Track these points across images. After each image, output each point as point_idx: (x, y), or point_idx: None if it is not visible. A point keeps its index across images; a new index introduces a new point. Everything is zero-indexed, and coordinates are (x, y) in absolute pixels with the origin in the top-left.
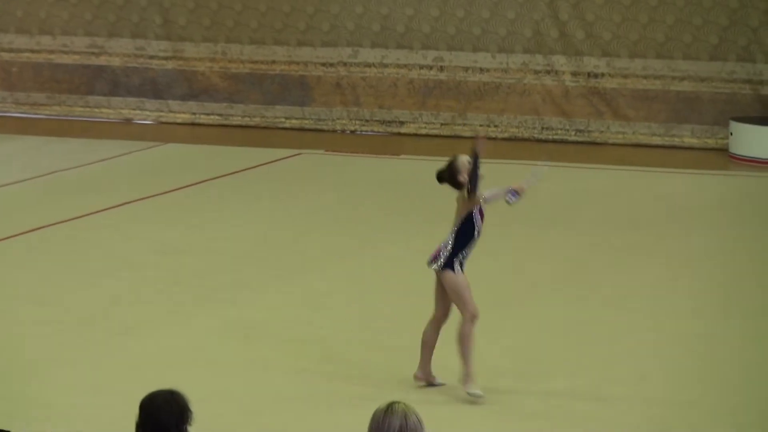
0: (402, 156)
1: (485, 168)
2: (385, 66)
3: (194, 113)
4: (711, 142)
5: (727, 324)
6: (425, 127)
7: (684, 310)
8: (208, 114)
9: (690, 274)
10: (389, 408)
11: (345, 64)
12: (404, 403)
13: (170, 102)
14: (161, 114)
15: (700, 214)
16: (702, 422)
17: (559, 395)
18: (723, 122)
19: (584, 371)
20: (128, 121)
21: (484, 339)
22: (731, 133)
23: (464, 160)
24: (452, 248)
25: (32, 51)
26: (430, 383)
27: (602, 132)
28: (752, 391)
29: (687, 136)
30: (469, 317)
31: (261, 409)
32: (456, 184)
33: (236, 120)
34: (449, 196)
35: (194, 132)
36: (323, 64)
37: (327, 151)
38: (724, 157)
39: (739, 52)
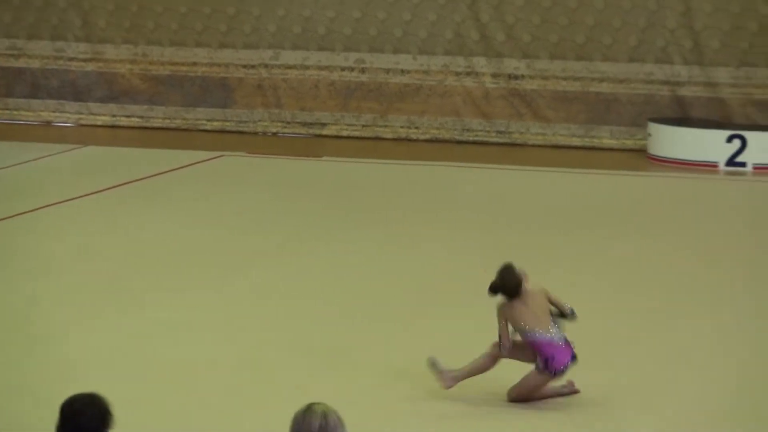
0: (324, 158)
1: None
2: (307, 68)
3: (114, 115)
4: (629, 143)
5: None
6: (347, 129)
7: (592, 309)
8: (128, 116)
9: (604, 274)
10: (308, 408)
11: (266, 65)
12: (324, 404)
13: (90, 104)
14: (81, 116)
15: (619, 215)
16: None
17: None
18: (641, 123)
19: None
20: (48, 123)
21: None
22: (649, 134)
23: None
24: None
25: None
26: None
27: (522, 133)
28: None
29: (606, 137)
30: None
31: (184, 412)
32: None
33: (157, 122)
34: (369, 197)
35: (115, 134)
36: (244, 66)
37: (248, 153)
38: (642, 157)
39: (656, 53)
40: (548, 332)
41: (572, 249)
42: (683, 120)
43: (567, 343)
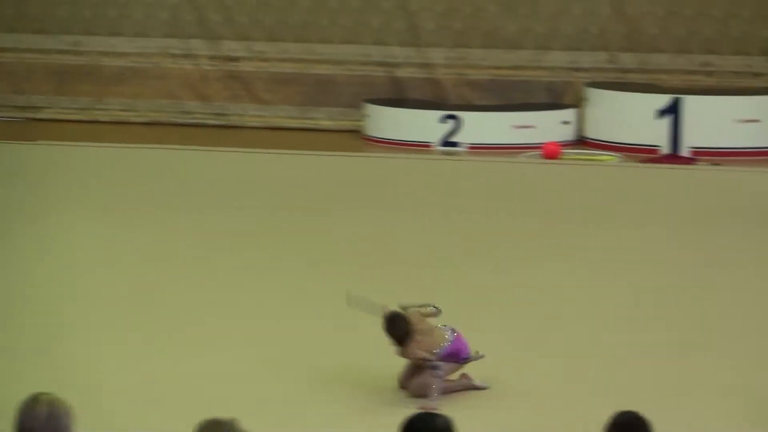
0: (39, 142)
1: None
2: (21, 51)
3: None
4: (346, 124)
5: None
6: (63, 113)
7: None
8: None
9: (323, 254)
10: (34, 399)
11: None
12: (50, 393)
13: None
14: None
15: (336, 196)
16: None
17: None
18: (358, 104)
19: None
20: None
21: None
22: (366, 115)
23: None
24: None
25: None
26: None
27: (240, 115)
28: None
29: (323, 118)
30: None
31: None
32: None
33: None
34: (88, 182)
35: None
36: None
37: None
38: (358, 138)
39: (373, 35)
40: (446, 340)
41: (289, 231)
42: (399, 101)
43: (454, 331)
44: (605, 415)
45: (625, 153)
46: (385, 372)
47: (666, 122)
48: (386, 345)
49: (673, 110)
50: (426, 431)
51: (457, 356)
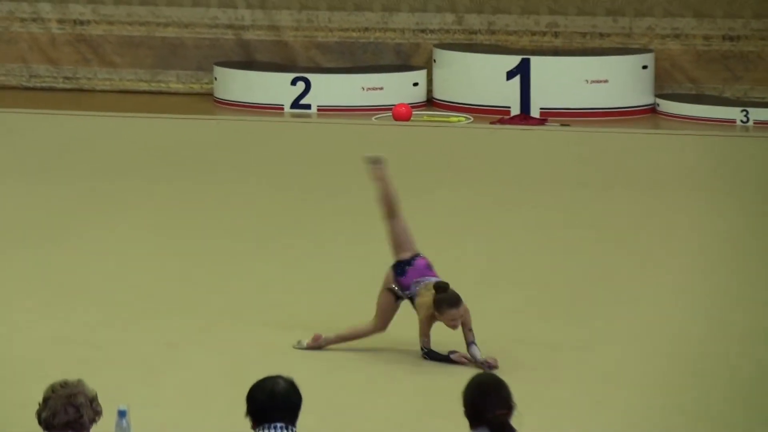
0: None
1: None
2: None
3: None
4: (196, 87)
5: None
6: None
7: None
8: None
9: (181, 219)
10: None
11: None
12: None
13: None
14: None
15: (187, 159)
16: None
17: None
18: (207, 67)
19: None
20: None
21: None
22: (215, 78)
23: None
24: None
25: None
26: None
27: (90, 79)
28: None
29: (173, 81)
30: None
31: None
32: None
33: None
34: None
35: None
36: None
37: None
38: (209, 101)
39: None
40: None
41: (144, 196)
42: (248, 64)
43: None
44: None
45: (475, 114)
46: None
47: (515, 83)
48: None
49: (521, 71)
50: (263, 396)
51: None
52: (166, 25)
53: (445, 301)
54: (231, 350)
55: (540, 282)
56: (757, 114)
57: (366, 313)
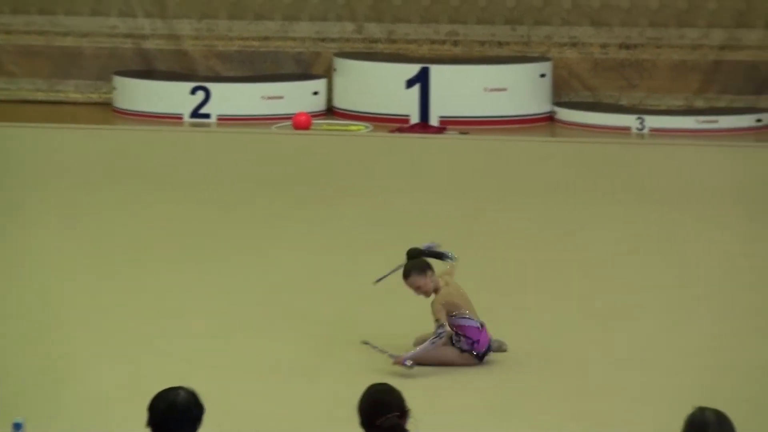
0: None
1: None
2: None
3: None
4: (95, 97)
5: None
6: None
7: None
8: None
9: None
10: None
11: None
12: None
13: None
14: None
15: (88, 170)
16: None
17: None
18: (106, 77)
19: None
20: None
21: None
22: (114, 88)
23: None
24: None
25: None
26: None
27: None
28: None
29: (71, 91)
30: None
31: None
32: None
33: None
34: None
35: None
36: None
37: None
38: (108, 111)
39: (119, 6)
40: (477, 318)
41: (43, 206)
42: (148, 73)
43: (484, 327)
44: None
45: (375, 123)
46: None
47: (414, 92)
48: None
49: (421, 80)
50: (163, 407)
51: (472, 339)
52: (65, 34)
53: (413, 267)
54: (130, 361)
55: None
56: (652, 121)
57: (260, 322)
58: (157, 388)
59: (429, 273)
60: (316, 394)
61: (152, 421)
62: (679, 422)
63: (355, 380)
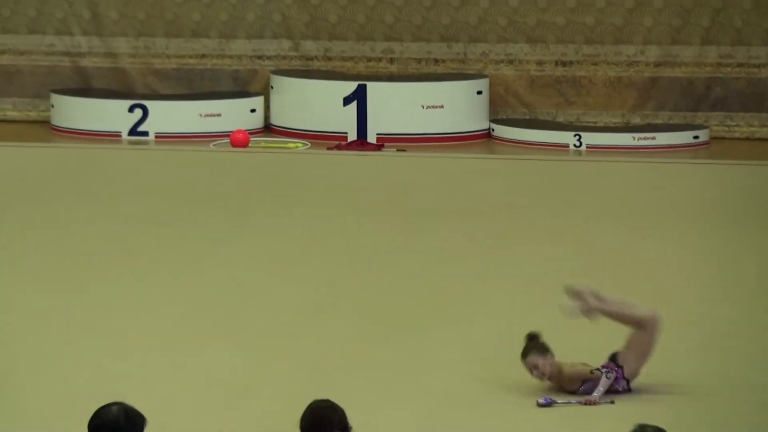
0: None
1: None
2: None
3: None
4: (33, 115)
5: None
6: None
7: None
8: None
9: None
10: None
11: None
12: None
13: None
14: None
15: (25, 187)
16: None
17: None
18: (44, 95)
19: None
20: None
21: None
22: (52, 106)
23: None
24: None
25: None
26: None
27: None
28: None
29: (9, 109)
30: None
31: None
32: None
33: None
34: None
35: None
36: None
37: None
38: (46, 129)
39: (56, 24)
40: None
41: None
42: (85, 91)
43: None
44: None
45: (312, 140)
46: None
47: (352, 109)
48: None
49: (357, 97)
50: (98, 423)
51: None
52: (2, 52)
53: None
54: (67, 378)
55: (374, 307)
56: (589, 138)
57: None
58: (95, 405)
59: (548, 356)
60: (254, 410)
61: None
62: None
63: (294, 396)
